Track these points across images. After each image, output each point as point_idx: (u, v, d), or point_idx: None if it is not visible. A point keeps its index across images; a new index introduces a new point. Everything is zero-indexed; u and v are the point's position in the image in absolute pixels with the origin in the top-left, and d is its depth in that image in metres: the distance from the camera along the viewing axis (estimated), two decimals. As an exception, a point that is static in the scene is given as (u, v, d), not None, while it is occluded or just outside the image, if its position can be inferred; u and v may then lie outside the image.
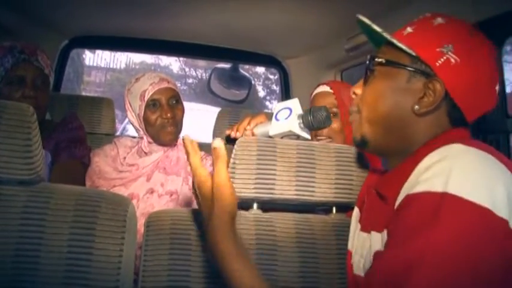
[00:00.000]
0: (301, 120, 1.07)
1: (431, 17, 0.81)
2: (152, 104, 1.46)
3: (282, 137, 1.10)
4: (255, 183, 1.04)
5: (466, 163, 0.64)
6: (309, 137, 1.10)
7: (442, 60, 0.75)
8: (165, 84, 1.48)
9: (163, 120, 1.46)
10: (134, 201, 1.44)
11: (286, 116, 1.08)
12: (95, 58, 15.49)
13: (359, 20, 0.85)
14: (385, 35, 0.80)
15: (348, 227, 1.06)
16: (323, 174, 1.08)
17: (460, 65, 0.74)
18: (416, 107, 0.77)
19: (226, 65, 2.47)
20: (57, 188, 0.96)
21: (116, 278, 0.91)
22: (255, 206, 1.09)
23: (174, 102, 1.49)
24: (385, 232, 0.75)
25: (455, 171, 0.63)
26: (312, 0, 1.54)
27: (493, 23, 1.12)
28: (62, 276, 0.89)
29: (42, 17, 1.87)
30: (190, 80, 14.25)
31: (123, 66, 16.25)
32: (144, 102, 1.45)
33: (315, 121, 1.04)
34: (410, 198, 0.66)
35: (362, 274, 0.85)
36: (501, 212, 0.59)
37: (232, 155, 1.06)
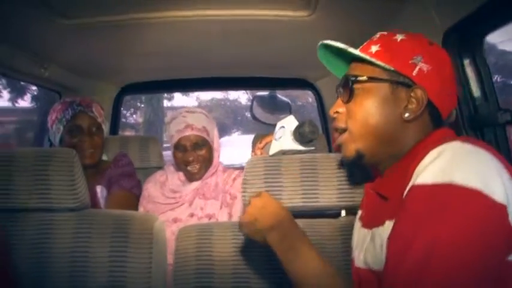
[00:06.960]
0: (293, 137, 1.19)
1: (391, 35, 0.89)
2: (177, 147, 1.68)
3: (283, 153, 1.24)
4: (265, 195, 1.19)
5: (465, 156, 0.71)
6: (303, 148, 1.20)
7: (416, 70, 0.84)
8: (188, 132, 1.66)
9: (186, 162, 1.67)
10: (178, 223, 1.64)
11: (281, 135, 1.21)
12: (171, 100, 16.54)
13: (324, 45, 0.94)
14: (364, 55, 0.87)
15: (354, 228, 1.16)
16: (326, 182, 1.19)
17: (432, 72, 0.84)
18: (407, 114, 0.85)
19: (264, 93, 2.65)
20: (99, 212, 1.19)
21: (147, 281, 1.10)
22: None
23: (197, 146, 1.68)
24: (387, 223, 0.82)
25: (457, 162, 0.70)
26: (333, 21, 1.58)
27: (471, 21, 1.15)
28: (105, 281, 1.10)
29: (97, 73, 2.20)
30: (258, 109, 14.64)
31: (195, 103, 17.15)
32: (172, 145, 1.69)
33: (301, 137, 1.16)
34: (416, 188, 0.71)
35: (362, 266, 0.92)
36: (500, 198, 0.65)
37: (244, 172, 1.22)
